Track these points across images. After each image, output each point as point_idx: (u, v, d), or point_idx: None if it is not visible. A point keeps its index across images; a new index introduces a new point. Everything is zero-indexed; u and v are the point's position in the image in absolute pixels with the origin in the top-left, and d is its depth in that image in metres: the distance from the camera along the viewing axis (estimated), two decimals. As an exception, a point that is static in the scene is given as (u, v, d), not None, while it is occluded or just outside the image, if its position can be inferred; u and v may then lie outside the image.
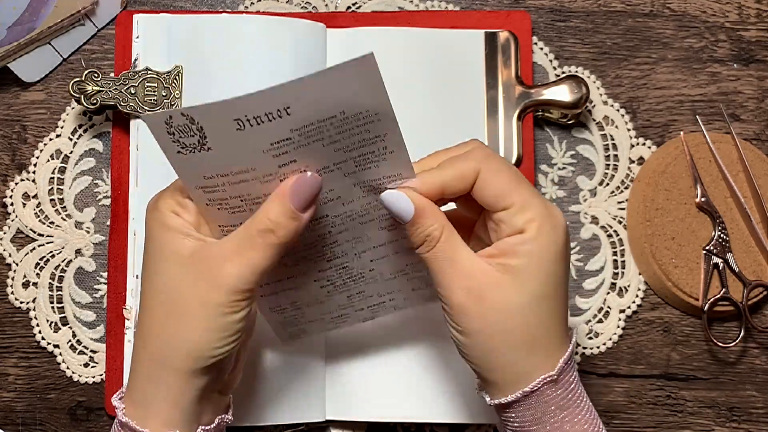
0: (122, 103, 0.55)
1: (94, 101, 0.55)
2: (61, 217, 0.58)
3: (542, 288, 0.40)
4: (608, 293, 0.59)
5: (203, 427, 0.43)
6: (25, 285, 0.58)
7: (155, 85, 0.55)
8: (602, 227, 0.59)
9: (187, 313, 0.40)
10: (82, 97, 0.55)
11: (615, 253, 0.59)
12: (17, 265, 0.58)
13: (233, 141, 0.38)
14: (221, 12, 0.58)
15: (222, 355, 0.41)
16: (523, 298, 0.40)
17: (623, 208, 0.59)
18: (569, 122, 0.59)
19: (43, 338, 0.58)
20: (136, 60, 0.55)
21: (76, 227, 0.58)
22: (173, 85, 0.55)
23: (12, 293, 0.58)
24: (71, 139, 0.59)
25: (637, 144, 0.60)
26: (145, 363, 0.42)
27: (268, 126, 0.38)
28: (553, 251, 0.40)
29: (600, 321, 0.59)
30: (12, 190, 0.58)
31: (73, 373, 0.57)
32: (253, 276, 0.40)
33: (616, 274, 0.59)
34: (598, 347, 0.59)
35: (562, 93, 0.57)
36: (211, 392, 0.43)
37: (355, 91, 0.38)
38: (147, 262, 0.42)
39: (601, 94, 0.60)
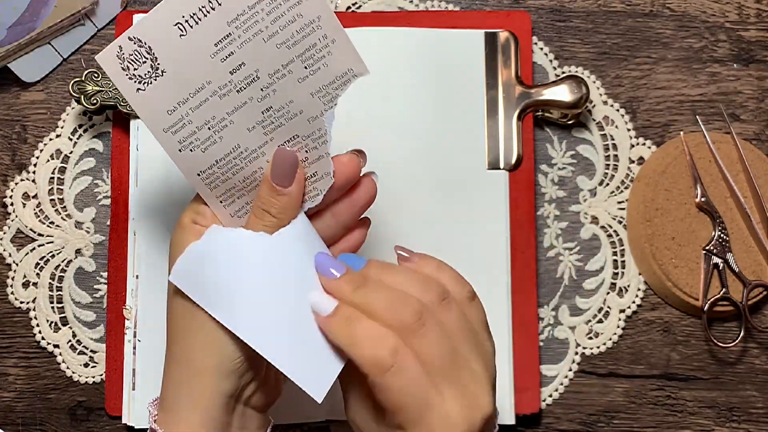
0: (122, 103, 0.55)
1: (94, 101, 0.55)
2: (61, 217, 0.58)
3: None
4: (608, 293, 0.59)
5: None
6: (25, 285, 0.58)
7: (155, 85, 0.55)
8: (602, 227, 0.59)
9: (199, 311, 0.41)
10: (82, 97, 0.55)
11: (615, 253, 0.59)
12: (17, 265, 0.58)
13: (181, 52, 0.40)
14: (221, 12, 0.58)
15: (243, 353, 0.41)
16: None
17: (623, 208, 0.59)
18: (569, 122, 0.59)
19: (43, 338, 0.58)
20: (136, 60, 0.55)
21: (76, 227, 0.58)
22: (173, 85, 0.55)
23: (12, 293, 0.58)
24: (71, 139, 0.59)
25: (637, 144, 0.60)
26: (172, 367, 0.42)
27: (206, 23, 0.40)
28: None
29: (600, 321, 0.59)
30: (12, 190, 0.59)
31: (73, 373, 0.58)
32: None
33: (616, 274, 0.59)
34: (598, 347, 0.59)
35: (562, 93, 0.57)
36: (240, 402, 0.43)
37: None
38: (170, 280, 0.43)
39: (601, 94, 0.60)
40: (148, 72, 0.41)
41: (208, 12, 0.40)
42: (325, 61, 0.42)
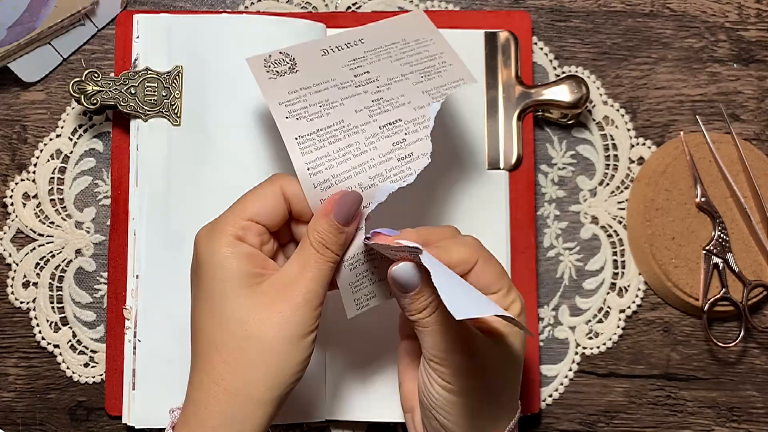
0: (122, 103, 0.55)
1: (94, 101, 0.55)
2: (61, 217, 0.58)
3: (521, 354, 0.46)
4: (608, 293, 0.59)
5: None
6: (25, 285, 0.58)
7: (155, 85, 0.55)
8: (602, 227, 0.59)
9: (266, 343, 0.41)
10: (82, 97, 0.55)
11: (615, 253, 0.59)
12: (17, 265, 0.58)
13: (318, 62, 0.48)
14: (221, 12, 0.58)
15: (299, 378, 0.42)
16: (512, 359, 0.45)
17: (623, 208, 0.59)
18: (569, 122, 0.59)
19: (43, 338, 0.58)
20: (136, 60, 0.55)
21: (76, 227, 0.58)
22: (173, 85, 0.55)
23: (12, 293, 0.58)
24: (71, 139, 0.59)
25: (637, 144, 0.60)
26: (220, 399, 0.41)
27: (347, 51, 0.49)
28: (524, 323, 0.45)
29: (600, 321, 0.59)
30: (12, 190, 0.59)
31: (73, 373, 0.58)
32: (321, 289, 0.43)
33: (616, 274, 0.59)
34: (598, 347, 0.59)
35: (562, 93, 0.57)
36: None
37: (408, 25, 0.51)
38: (210, 294, 0.42)
39: (601, 94, 0.60)
40: (285, 70, 0.47)
41: (351, 46, 0.49)
42: (441, 73, 0.49)
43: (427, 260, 0.40)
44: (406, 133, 0.46)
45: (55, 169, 0.59)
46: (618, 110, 0.60)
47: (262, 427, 0.42)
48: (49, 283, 0.58)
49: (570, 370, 0.58)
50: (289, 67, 0.47)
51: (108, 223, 0.58)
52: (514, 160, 0.57)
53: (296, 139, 0.44)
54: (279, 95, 0.46)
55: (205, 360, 0.42)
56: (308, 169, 0.44)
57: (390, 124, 0.46)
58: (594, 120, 0.60)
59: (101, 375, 0.57)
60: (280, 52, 0.48)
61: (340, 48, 0.49)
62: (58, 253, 0.58)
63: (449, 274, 0.41)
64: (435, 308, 0.43)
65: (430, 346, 0.43)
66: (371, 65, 0.48)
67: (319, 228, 0.43)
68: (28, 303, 0.58)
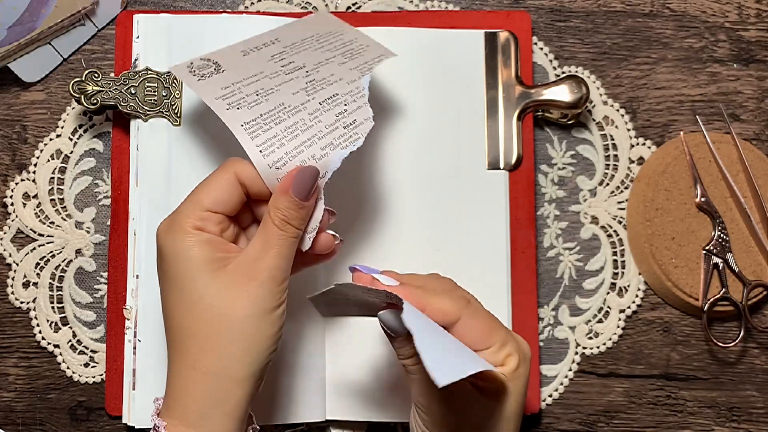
0: (122, 103, 0.55)
1: (95, 101, 0.55)
2: (62, 217, 0.58)
3: (513, 409, 0.45)
4: (608, 293, 0.59)
5: None
6: (26, 285, 0.58)
7: (155, 85, 0.55)
8: (602, 227, 0.59)
9: (236, 321, 0.42)
10: (83, 97, 0.55)
11: (615, 253, 0.59)
12: (17, 265, 0.58)
13: (242, 61, 0.49)
14: (221, 12, 0.58)
15: (272, 351, 0.43)
16: (498, 417, 0.44)
17: (623, 208, 0.59)
18: (569, 122, 0.60)
19: (43, 338, 0.58)
20: (136, 60, 0.55)
21: (76, 227, 0.58)
22: (173, 85, 0.55)
23: (12, 293, 0.58)
24: (71, 139, 0.59)
25: (637, 144, 0.60)
26: (198, 382, 0.42)
27: (266, 50, 0.51)
28: (524, 378, 0.45)
29: (600, 321, 0.59)
30: (12, 190, 0.59)
31: (73, 373, 0.58)
32: (285, 263, 0.44)
33: (616, 274, 0.59)
34: (598, 347, 0.59)
35: (562, 93, 0.57)
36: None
37: (320, 24, 0.53)
38: (177, 283, 0.43)
39: (601, 94, 0.60)
40: (211, 72, 0.48)
41: (269, 45, 0.51)
42: (361, 53, 0.51)
43: (408, 314, 0.40)
44: (345, 104, 0.48)
45: (55, 169, 0.59)
46: (618, 110, 0.60)
47: (243, 405, 0.43)
48: (49, 283, 0.58)
49: (570, 370, 0.58)
50: (214, 69, 0.48)
51: (108, 223, 0.58)
52: (514, 160, 0.57)
53: (242, 125, 0.45)
54: (213, 92, 0.46)
55: (179, 348, 0.43)
56: (260, 151, 0.44)
57: (329, 99, 0.47)
58: (594, 120, 0.60)
59: (101, 375, 0.57)
60: (201, 59, 0.49)
61: (258, 48, 0.50)
62: (58, 253, 0.58)
63: (433, 330, 0.42)
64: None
65: (416, 393, 0.45)
66: (294, 56, 0.50)
67: (279, 205, 0.44)
68: (28, 303, 0.58)
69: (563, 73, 0.60)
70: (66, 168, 0.59)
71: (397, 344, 0.44)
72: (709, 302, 0.57)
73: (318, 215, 0.46)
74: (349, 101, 0.48)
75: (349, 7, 0.60)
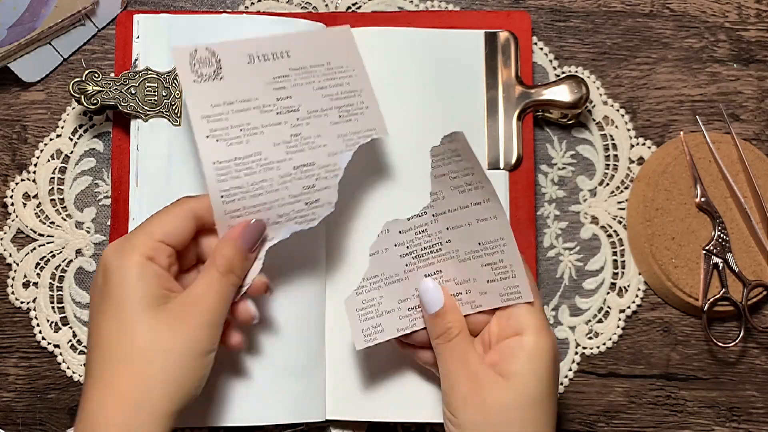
0: (122, 104, 0.55)
1: (95, 101, 0.55)
2: (62, 217, 0.58)
3: (535, 391, 0.45)
4: (608, 293, 0.59)
5: None
6: (26, 285, 0.58)
7: (156, 85, 0.55)
8: (602, 227, 0.59)
9: (172, 358, 0.43)
10: (83, 97, 0.55)
11: (615, 253, 0.59)
12: (17, 265, 0.58)
13: (243, 72, 0.48)
14: (221, 12, 0.58)
15: (197, 394, 0.45)
16: (519, 400, 0.45)
17: (623, 208, 0.59)
18: (569, 122, 0.60)
19: (43, 338, 0.58)
20: (136, 60, 0.55)
21: (76, 227, 0.58)
22: (173, 85, 0.55)
23: (12, 293, 0.58)
24: (71, 139, 0.59)
25: (637, 144, 0.60)
26: (125, 414, 0.42)
27: (273, 63, 0.49)
28: (545, 357, 0.46)
29: (600, 321, 0.59)
30: (12, 190, 0.59)
31: (73, 373, 0.58)
32: (224, 309, 0.46)
33: (616, 274, 0.59)
34: (598, 347, 0.59)
35: (562, 93, 0.57)
36: None
37: (336, 48, 0.52)
38: (117, 308, 0.44)
39: (601, 94, 0.60)
40: (210, 74, 0.47)
41: (277, 57, 0.49)
42: (357, 117, 0.51)
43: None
44: (316, 179, 0.49)
45: (55, 169, 0.59)
46: (618, 110, 0.60)
47: None
48: (50, 283, 0.58)
49: (570, 369, 0.58)
50: (214, 71, 0.48)
51: (108, 223, 0.58)
52: (514, 160, 0.57)
53: (214, 164, 0.46)
54: (203, 106, 0.47)
55: (109, 375, 0.43)
56: (222, 197, 0.46)
57: (303, 166, 0.48)
58: (594, 120, 0.60)
59: (101, 375, 0.57)
60: (207, 48, 0.48)
61: (266, 57, 0.49)
62: (58, 253, 0.58)
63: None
64: (451, 337, 0.47)
65: (442, 374, 0.48)
66: (294, 89, 0.49)
67: (225, 253, 0.46)
68: (28, 303, 0.58)
69: (563, 73, 0.60)
70: (66, 168, 0.59)
71: (430, 319, 0.48)
72: (709, 302, 0.57)
73: (253, 273, 0.48)
74: (321, 177, 0.49)
75: (349, 7, 0.60)
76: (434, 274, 0.50)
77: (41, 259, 0.58)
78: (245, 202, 0.47)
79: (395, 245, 0.49)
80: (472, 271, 0.49)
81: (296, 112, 0.49)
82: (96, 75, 0.55)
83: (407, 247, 0.50)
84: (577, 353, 0.58)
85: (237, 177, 0.46)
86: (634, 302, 0.59)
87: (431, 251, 0.50)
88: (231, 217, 0.47)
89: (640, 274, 0.59)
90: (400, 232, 0.49)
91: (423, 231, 0.49)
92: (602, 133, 0.60)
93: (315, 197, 0.49)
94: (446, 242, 0.50)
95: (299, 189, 0.48)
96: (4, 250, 0.58)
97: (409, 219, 0.50)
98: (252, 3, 0.60)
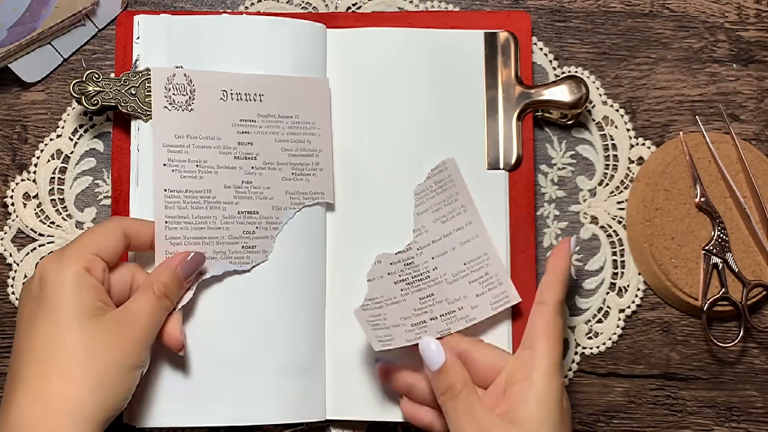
0: (123, 104, 0.55)
1: (95, 102, 0.55)
2: (62, 217, 0.58)
3: (535, 416, 0.46)
4: (608, 293, 0.59)
5: None
6: (26, 285, 0.58)
7: (155, 85, 0.55)
8: (602, 227, 0.59)
9: (105, 369, 0.44)
10: (83, 97, 0.55)
11: (614, 253, 0.59)
12: (18, 265, 0.58)
13: (213, 108, 0.51)
14: (221, 12, 0.59)
15: (125, 403, 0.46)
16: (518, 423, 0.46)
17: (623, 208, 0.60)
18: (569, 122, 0.60)
19: (43, 338, 0.58)
20: (136, 60, 0.55)
21: (76, 227, 0.58)
22: (173, 85, 0.55)
23: (12, 293, 0.58)
24: (72, 140, 0.59)
25: (637, 144, 0.60)
26: (54, 421, 0.43)
27: (244, 105, 0.52)
28: (554, 400, 0.47)
29: (599, 321, 0.59)
30: (12, 190, 0.59)
31: (73, 372, 0.58)
32: (156, 329, 0.48)
33: (616, 274, 0.59)
34: (598, 347, 0.59)
35: (562, 93, 0.57)
36: None
37: (309, 101, 0.54)
38: (53, 316, 0.45)
39: (600, 95, 0.60)
40: (181, 102, 0.50)
41: (250, 99, 0.52)
42: (309, 178, 0.54)
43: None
44: (257, 227, 0.52)
45: (55, 169, 0.59)
46: (617, 110, 0.60)
47: None
48: (50, 283, 0.58)
49: (570, 369, 0.58)
50: (186, 101, 0.51)
51: (108, 223, 0.58)
52: (513, 160, 0.57)
53: (165, 191, 0.50)
54: (167, 135, 0.50)
55: (39, 381, 0.44)
56: (166, 222, 0.50)
57: (248, 212, 0.52)
58: (594, 120, 0.60)
59: (102, 375, 0.57)
60: (185, 75, 0.50)
61: (240, 97, 0.52)
62: (58, 253, 0.58)
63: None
64: (455, 394, 0.48)
65: (451, 428, 0.48)
66: (257, 136, 0.52)
67: (163, 279, 0.48)
68: (28, 303, 0.58)
69: (563, 73, 0.60)
70: (66, 168, 0.59)
71: (432, 376, 0.49)
72: (708, 302, 0.57)
73: (184, 300, 0.50)
74: (262, 226, 0.52)
75: (349, 8, 0.60)
76: (427, 297, 0.52)
77: (41, 259, 0.58)
78: (187, 233, 0.50)
79: (389, 273, 0.52)
80: (462, 290, 0.53)
81: (253, 160, 0.52)
82: (96, 75, 0.55)
83: (399, 276, 0.52)
84: (576, 353, 0.58)
85: (184, 208, 0.50)
86: (633, 302, 0.59)
87: (421, 279, 0.52)
88: (171, 243, 0.50)
89: (639, 274, 0.59)
90: (390, 263, 0.52)
91: (410, 263, 0.53)
92: (602, 133, 0.60)
93: (253, 243, 0.52)
94: (433, 269, 0.53)
95: (239, 232, 0.51)
96: (5, 250, 0.58)
97: (396, 254, 0.52)
98: (252, 3, 0.60)
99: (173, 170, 0.50)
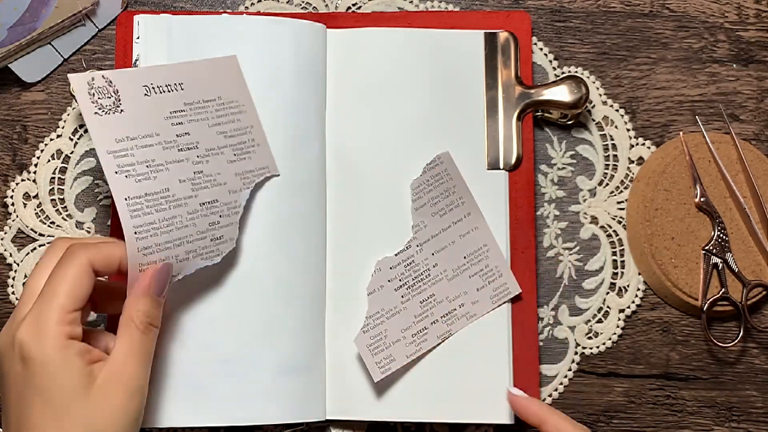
0: (123, 104, 0.55)
1: (95, 101, 0.55)
2: (62, 217, 0.58)
3: None
4: (608, 293, 0.59)
5: None
6: (26, 285, 0.58)
7: (155, 85, 0.55)
8: (602, 227, 0.59)
9: (104, 427, 0.43)
10: (83, 97, 0.55)
11: (614, 253, 0.59)
12: (18, 265, 0.58)
13: (141, 105, 0.49)
14: (221, 12, 0.59)
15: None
16: None
17: (623, 208, 0.60)
18: (569, 122, 0.60)
19: (43, 338, 0.58)
20: (136, 61, 0.56)
21: (76, 227, 0.58)
22: (173, 85, 0.55)
23: (13, 293, 0.58)
24: (72, 140, 0.59)
25: (637, 144, 0.60)
26: None
27: (168, 96, 0.50)
28: None
29: (599, 321, 0.59)
30: (13, 190, 0.59)
31: (73, 372, 0.58)
32: (149, 366, 0.46)
33: (616, 274, 0.59)
34: (598, 347, 0.59)
35: (562, 93, 0.57)
36: None
37: (226, 80, 0.53)
38: (46, 397, 0.42)
39: (600, 95, 0.60)
40: (109, 106, 0.48)
41: (171, 90, 0.51)
42: (250, 155, 0.53)
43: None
44: (220, 216, 0.51)
45: (55, 169, 0.59)
46: (617, 110, 0.60)
47: None
48: (50, 282, 0.58)
49: (569, 369, 0.58)
50: (113, 103, 0.48)
51: (108, 223, 0.58)
52: (513, 160, 0.57)
53: (126, 199, 0.47)
54: (107, 141, 0.47)
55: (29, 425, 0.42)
56: (135, 233, 0.47)
57: (209, 203, 0.50)
58: (594, 120, 0.60)
59: (102, 375, 0.57)
60: (104, 77, 0.48)
61: (162, 89, 0.50)
62: (58, 253, 0.58)
63: None
64: None
65: None
66: (191, 125, 0.51)
67: (142, 307, 0.46)
68: (28, 303, 0.58)
69: (563, 73, 0.60)
70: (66, 168, 0.59)
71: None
72: (708, 302, 0.57)
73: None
74: (224, 214, 0.51)
75: (349, 8, 0.60)
76: (428, 298, 0.53)
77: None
78: (157, 239, 0.48)
79: (389, 281, 0.53)
80: (463, 285, 0.53)
81: (196, 149, 0.51)
82: (96, 75, 0.55)
83: (399, 280, 0.53)
84: (576, 353, 0.58)
85: (149, 213, 0.48)
86: (633, 302, 0.59)
87: (422, 279, 0.53)
88: (144, 254, 0.47)
89: (639, 274, 0.59)
90: (390, 267, 0.53)
91: (411, 263, 0.54)
92: (602, 133, 0.60)
93: (219, 233, 0.51)
94: (434, 266, 0.53)
95: (205, 225, 0.50)
96: (5, 250, 0.58)
97: (396, 255, 0.53)
98: (252, 3, 0.60)
99: (126, 176, 0.47)
